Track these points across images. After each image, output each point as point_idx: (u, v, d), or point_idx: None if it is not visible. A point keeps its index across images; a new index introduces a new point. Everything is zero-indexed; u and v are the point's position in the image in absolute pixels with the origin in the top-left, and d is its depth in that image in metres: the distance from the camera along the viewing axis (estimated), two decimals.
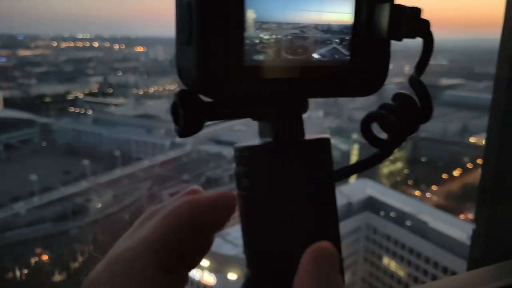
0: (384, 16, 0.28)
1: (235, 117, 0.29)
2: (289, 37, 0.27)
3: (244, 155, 0.29)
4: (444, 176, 23.59)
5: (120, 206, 19.21)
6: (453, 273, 15.26)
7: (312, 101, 0.30)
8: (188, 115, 0.26)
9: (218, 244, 12.96)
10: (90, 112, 28.93)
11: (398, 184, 24.10)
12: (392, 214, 17.07)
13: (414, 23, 0.28)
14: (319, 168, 0.29)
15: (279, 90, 0.28)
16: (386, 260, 17.95)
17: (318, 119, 28.24)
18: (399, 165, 23.97)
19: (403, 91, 0.31)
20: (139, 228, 0.27)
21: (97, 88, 32.38)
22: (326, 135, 0.30)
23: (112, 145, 23.70)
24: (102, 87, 32.56)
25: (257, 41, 0.26)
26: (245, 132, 24.52)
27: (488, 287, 0.74)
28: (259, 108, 0.29)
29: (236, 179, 0.29)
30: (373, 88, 0.30)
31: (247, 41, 0.26)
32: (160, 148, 23.08)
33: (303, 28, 0.27)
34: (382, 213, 17.40)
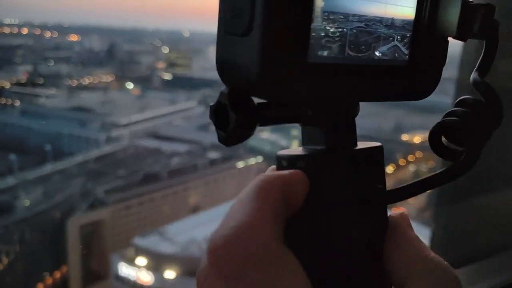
0: (454, 13, 0.26)
1: (288, 121, 0.26)
2: (354, 31, 0.25)
3: (298, 166, 0.25)
4: None
5: (51, 203, 18.18)
6: None
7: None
8: (240, 118, 0.22)
9: (156, 242, 12.64)
10: (18, 103, 27.12)
11: None
12: None
13: (486, 23, 0.26)
14: (376, 178, 0.27)
15: (339, 92, 0.25)
16: None
17: None
18: None
19: (468, 96, 0.28)
20: (229, 215, 0.24)
21: (26, 78, 30.42)
22: (378, 143, 0.28)
23: (42, 139, 22.37)
24: (32, 77, 30.63)
25: (322, 34, 0.23)
26: (185, 127, 24.18)
27: None
28: (315, 112, 0.26)
29: None
30: (427, 92, 0.28)
31: (313, 34, 0.23)
32: (95, 143, 22.12)
33: (368, 21, 0.25)
34: None
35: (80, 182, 20.51)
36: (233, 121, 0.22)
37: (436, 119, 0.28)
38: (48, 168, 21.48)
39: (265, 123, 0.24)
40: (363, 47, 0.25)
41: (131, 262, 13.00)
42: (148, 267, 13.35)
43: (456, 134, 0.27)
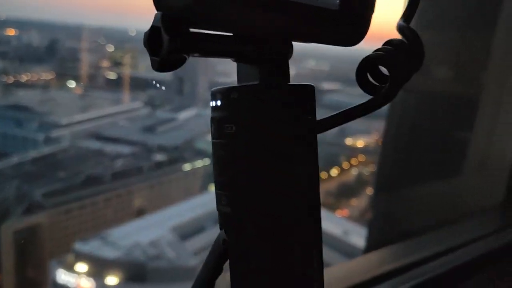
0: None
1: (219, 54, 0.26)
2: None
3: (232, 97, 0.27)
4: (323, 175, 25.24)
5: None
6: (327, 265, 16.39)
7: (201, 101, 0.28)
8: (174, 40, 0.22)
9: (98, 247, 12.23)
10: None
11: None
12: None
13: None
14: (308, 113, 0.28)
15: (270, 26, 0.26)
16: None
17: (206, 117, 28.08)
18: None
19: (394, 38, 0.30)
20: None
21: None
22: (310, 83, 0.29)
23: None
24: None
25: None
26: (130, 128, 23.58)
27: (384, 268, 0.80)
28: (246, 46, 0.27)
29: (216, 126, 0.27)
30: (356, 38, 0.29)
31: None
32: (33, 143, 21.08)
33: None
34: None
35: (15, 184, 19.44)
36: (167, 43, 0.22)
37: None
38: None
39: (197, 51, 0.24)
40: None
41: (70, 268, 12.49)
42: (89, 274, 12.87)
43: (381, 68, 0.28)
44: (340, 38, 0.28)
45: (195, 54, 0.24)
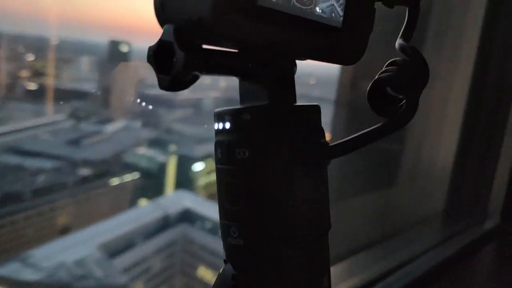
0: None
1: (230, 72, 0.25)
2: None
3: (244, 118, 0.25)
4: None
5: None
6: None
7: (126, 111, 0.27)
8: (190, 56, 0.20)
9: (17, 269, 11.36)
10: None
11: (214, 195, 24.91)
12: (209, 224, 17.57)
13: None
14: (319, 135, 0.27)
15: (281, 42, 0.25)
16: (202, 271, 18.33)
17: (135, 130, 27.33)
18: (215, 176, 24.72)
19: (396, 58, 0.30)
20: None
21: None
22: (315, 103, 0.28)
23: None
24: None
25: None
26: (52, 142, 22.16)
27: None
28: (258, 64, 0.26)
29: (224, 151, 0.26)
30: (354, 58, 0.29)
31: None
32: None
33: None
34: (199, 224, 17.76)
35: None
36: (181, 60, 0.20)
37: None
38: None
39: (208, 70, 0.22)
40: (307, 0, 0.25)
41: None
42: None
43: (393, 87, 0.27)
44: (341, 57, 0.28)
45: (205, 72, 0.22)
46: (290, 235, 0.25)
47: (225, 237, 0.26)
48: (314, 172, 0.26)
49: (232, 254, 0.26)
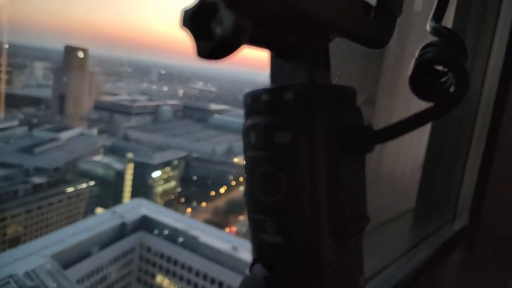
0: None
1: (271, 45, 0.23)
2: None
3: (286, 98, 0.22)
4: (212, 193, 25.49)
5: None
6: (220, 284, 16.51)
7: (81, 118, 0.24)
8: (241, 19, 0.17)
9: None
10: None
11: (171, 202, 24.68)
12: (166, 231, 17.40)
13: None
14: (361, 118, 0.25)
15: (323, 15, 0.22)
16: (159, 278, 18.08)
17: (91, 137, 26.72)
18: (172, 183, 24.55)
19: (429, 41, 0.27)
20: None
21: None
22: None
23: None
24: None
25: None
26: (3, 149, 21.33)
27: None
28: (298, 39, 0.23)
29: (260, 135, 0.22)
30: (384, 39, 0.27)
31: None
32: None
33: None
34: (156, 231, 17.54)
35: None
36: (230, 22, 0.17)
37: None
38: None
39: (253, 38, 0.20)
40: None
41: None
42: None
43: (442, 62, 0.25)
44: (372, 36, 0.26)
45: (249, 41, 0.20)
46: (335, 229, 0.22)
47: (257, 233, 0.23)
48: (358, 159, 0.24)
49: (266, 253, 0.23)
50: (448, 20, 0.94)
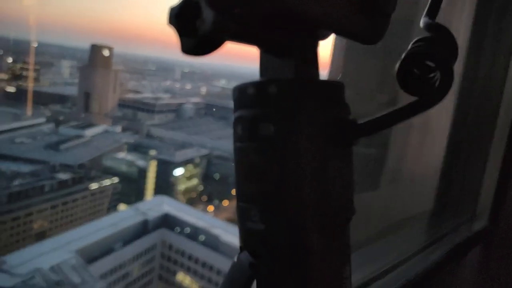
0: None
1: (257, 40, 0.23)
2: None
3: (270, 91, 0.22)
4: (234, 191, 25.55)
5: None
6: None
7: (106, 116, 0.24)
8: (218, 15, 0.18)
9: None
10: None
11: (193, 200, 24.87)
12: (187, 229, 17.49)
13: None
14: (347, 111, 0.25)
15: (313, 14, 0.23)
16: (180, 276, 18.20)
17: (115, 134, 27.16)
18: (194, 181, 24.71)
19: (422, 36, 0.28)
20: None
21: None
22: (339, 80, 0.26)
23: None
24: None
25: None
26: (30, 145, 21.87)
27: None
28: (285, 33, 0.23)
29: (246, 127, 0.23)
30: (377, 35, 0.27)
31: None
32: None
33: None
34: (177, 229, 17.66)
35: None
36: (210, 19, 0.18)
37: None
38: None
39: (236, 34, 0.20)
40: None
41: None
42: None
43: (430, 58, 0.26)
44: (361, 33, 0.26)
45: (232, 37, 0.20)
46: (317, 219, 0.23)
47: (243, 221, 0.24)
48: (343, 151, 0.24)
49: (250, 240, 0.24)
50: (469, 16, 0.93)
